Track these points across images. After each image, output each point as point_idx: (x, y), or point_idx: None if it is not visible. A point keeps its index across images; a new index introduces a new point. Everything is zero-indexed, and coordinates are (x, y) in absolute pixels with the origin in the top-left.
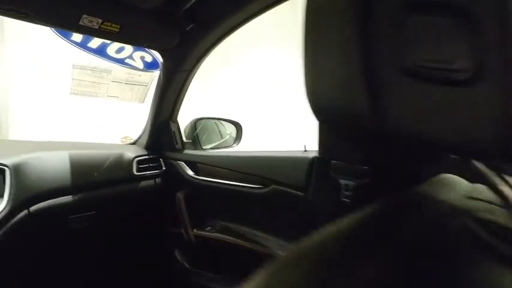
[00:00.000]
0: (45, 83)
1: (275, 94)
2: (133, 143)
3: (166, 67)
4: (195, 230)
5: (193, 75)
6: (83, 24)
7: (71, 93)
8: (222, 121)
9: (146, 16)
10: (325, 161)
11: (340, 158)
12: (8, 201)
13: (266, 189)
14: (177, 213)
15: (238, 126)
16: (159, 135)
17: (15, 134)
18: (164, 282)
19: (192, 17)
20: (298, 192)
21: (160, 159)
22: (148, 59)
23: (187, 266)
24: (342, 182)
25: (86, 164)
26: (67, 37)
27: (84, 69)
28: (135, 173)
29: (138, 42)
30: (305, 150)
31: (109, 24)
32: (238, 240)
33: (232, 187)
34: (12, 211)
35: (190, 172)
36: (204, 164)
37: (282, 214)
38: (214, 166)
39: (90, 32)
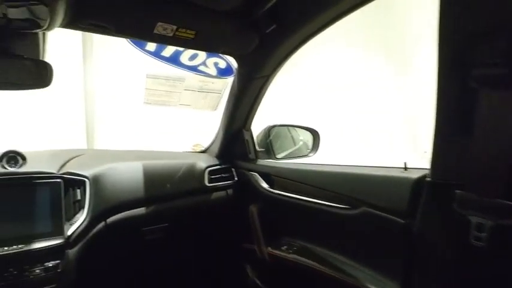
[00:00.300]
0: (122, 93)
1: (346, 97)
2: (204, 151)
3: (241, 73)
4: (269, 249)
5: (271, 81)
6: (157, 32)
7: (144, 102)
8: (295, 128)
9: (223, 20)
10: (444, 187)
11: (472, 187)
12: (88, 212)
13: (355, 211)
14: (250, 227)
15: (315, 133)
16: (232, 143)
17: (99, 142)
18: None
19: (274, 18)
20: (397, 219)
21: (233, 169)
22: (222, 65)
23: (259, 283)
24: (473, 219)
25: (159, 175)
26: (141, 47)
27: (158, 78)
28: (207, 184)
29: (214, 48)
30: (405, 168)
31: (184, 30)
32: (319, 265)
33: (313, 204)
34: (92, 222)
35: (264, 184)
36: (280, 177)
37: (374, 241)
38: (292, 181)
39: (164, 40)
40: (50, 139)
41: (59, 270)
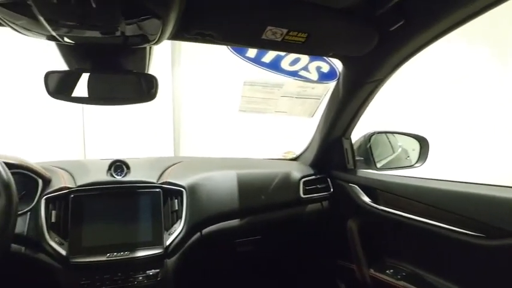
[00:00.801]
0: (215, 101)
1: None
2: (295, 159)
3: (348, 77)
4: (371, 270)
5: (383, 86)
6: (265, 37)
7: (239, 110)
8: (396, 134)
9: (340, 18)
10: None
11: None
12: (185, 223)
13: (493, 242)
14: (347, 243)
15: (423, 141)
16: (328, 152)
17: (185, 150)
18: None
19: (401, 14)
20: None
21: (328, 180)
22: (325, 69)
23: None
24: None
25: (253, 185)
26: (242, 54)
27: (255, 85)
28: (302, 195)
29: (325, 52)
30: None
31: (295, 33)
32: None
33: (430, 227)
34: (189, 233)
35: (365, 198)
36: (386, 191)
37: None
38: (402, 197)
39: (271, 46)
40: (139, 146)
41: (158, 279)
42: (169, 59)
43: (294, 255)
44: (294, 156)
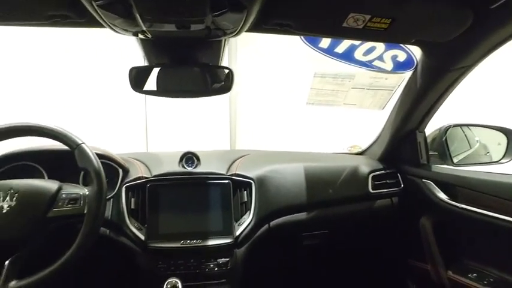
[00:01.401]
0: (273, 95)
1: None
2: (361, 153)
3: (428, 65)
4: (450, 273)
5: (468, 73)
6: (346, 25)
7: (307, 103)
8: (473, 127)
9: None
10: None
11: None
12: (254, 214)
13: None
14: (418, 242)
15: (509, 134)
16: (399, 146)
17: (242, 143)
18: None
19: None
20: None
21: (398, 175)
22: (402, 57)
23: None
24: None
25: (321, 179)
26: (314, 44)
27: (325, 77)
28: (371, 190)
29: (408, 38)
30: None
31: (378, 20)
32: None
33: None
34: (257, 224)
35: (441, 195)
36: (465, 187)
37: None
38: (486, 194)
39: (351, 34)
40: (197, 140)
41: (228, 268)
42: (226, 54)
43: (362, 251)
44: (360, 150)
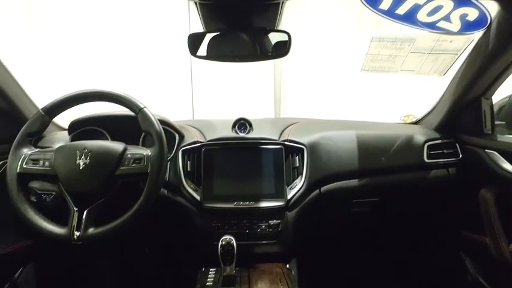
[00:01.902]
0: (329, 62)
1: None
2: (416, 123)
3: (507, 21)
4: None
5: None
6: None
7: (361, 69)
8: None
9: None
10: None
11: None
12: (305, 179)
13: None
14: (477, 215)
15: None
16: (459, 114)
17: (287, 110)
18: None
19: None
20: None
21: (457, 145)
22: (472, 15)
23: (484, 284)
24: None
25: (374, 146)
26: (374, 6)
27: (383, 41)
28: (426, 160)
29: None
30: None
31: None
32: None
33: None
34: (308, 189)
35: (507, 166)
36: None
37: None
38: None
39: None
40: (239, 108)
41: (279, 229)
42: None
43: (411, 221)
44: (415, 120)
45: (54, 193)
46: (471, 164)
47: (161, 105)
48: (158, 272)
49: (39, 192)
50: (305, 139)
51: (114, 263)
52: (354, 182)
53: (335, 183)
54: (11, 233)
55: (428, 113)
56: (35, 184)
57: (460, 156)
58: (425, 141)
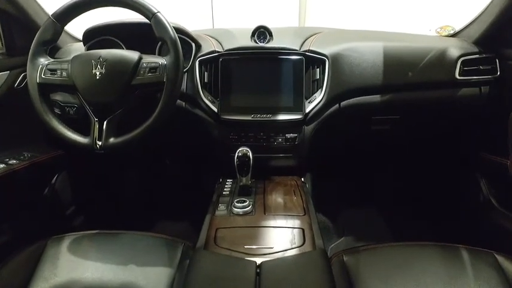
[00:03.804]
0: None
1: None
2: (453, 35)
3: None
4: None
5: None
6: None
7: None
8: None
9: None
10: None
11: None
12: (325, 93)
13: None
14: (503, 137)
15: None
16: (505, 26)
17: (313, 21)
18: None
19: None
20: None
21: (497, 61)
22: None
23: (497, 206)
24: None
25: (401, 60)
26: None
27: None
28: (457, 76)
29: None
30: None
31: None
32: None
33: None
34: (328, 103)
35: None
36: None
37: None
38: None
39: None
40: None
41: (296, 143)
42: None
43: (430, 140)
44: (453, 32)
45: (76, 105)
46: (509, 83)
47: (178, 14)
48: (179, 184)
49: (62, 104)
50: (328, 50)
51: (136, 173)
52: (375, 98)
53: (356, 98)
54: (43, 143)
55: (469, 24)
56: (58, 97)
57: (498, 73)
58: (460, 56)
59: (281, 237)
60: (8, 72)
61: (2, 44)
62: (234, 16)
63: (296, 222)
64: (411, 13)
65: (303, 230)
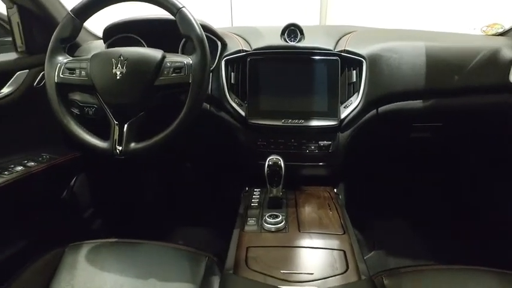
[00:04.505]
0: None
1: None
2: (503, 34)
3: None
4: None
5: None
6: None
7: None
8: None
9: None
10: None
11: None
12: (362, 97)
13: None
14: None
15: None
16: None
17: (333, 18)
18: None
19: None
20: None
21: None
22: None
23: None
24: None
25: (446, 62)
26: None
27: None
28: (511, 79)
29: None
30: None
31: None
32: None
33: None
34: (364, 108)
35: None
36: None
37: None
38: None
39: None
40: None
41: (329, 151)
42: None
43: (475, 150)
44: (502, 30)
45: (95, 106)
46: None
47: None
48: (199, 189)
49: (81, 104)
50: (365, 50)
51: (155, 176)
52: (417, 103)
53: (395, 104)
54: (61, 144)
55: None
56: (76, 96)
57: None
58: None
59: (320, 260)
60: (28, 70)
61: (22, 41)
62: (252, 14)
63: (335, 243)
64: (446, 11)
65: (344, 253)
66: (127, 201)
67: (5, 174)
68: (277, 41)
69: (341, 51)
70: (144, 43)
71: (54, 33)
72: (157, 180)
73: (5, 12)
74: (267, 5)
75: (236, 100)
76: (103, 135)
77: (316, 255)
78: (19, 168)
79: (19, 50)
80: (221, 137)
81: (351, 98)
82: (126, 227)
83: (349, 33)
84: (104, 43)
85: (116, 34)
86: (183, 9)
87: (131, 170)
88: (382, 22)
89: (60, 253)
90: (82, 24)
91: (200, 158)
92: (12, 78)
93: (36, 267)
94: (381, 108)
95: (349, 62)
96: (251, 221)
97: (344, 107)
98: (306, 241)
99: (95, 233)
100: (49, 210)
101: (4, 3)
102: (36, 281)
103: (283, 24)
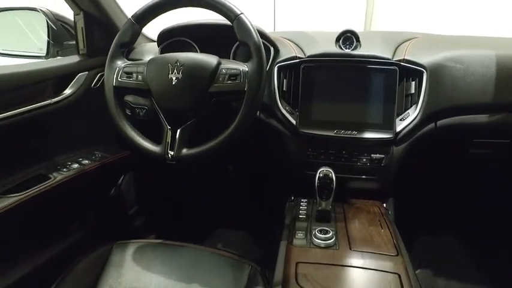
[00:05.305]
0: None
1: None
2: None
3: None
4: None
5: None
6: None
7: None
8: None
9: None
10: None
11: None
12: (420, 110)
13: None
14: None
15: None
16: None
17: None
18: None
19: None
20: None
21: None
22: None
23: None
24: None
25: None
26: None
27: None
28: None
29: None
30: None
31: None
32: None
33: None
34: (422, 122)
35: None
36: None
37: None
38: None
39: None
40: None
41: (382, 165)
42: None
43: None
44: None
45: (146, 107)
46: None
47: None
48: (240, 194)
49: (133, 106)
50: (426, 59)
51: (198, 178)
52: (482, 118)
53: (457, 117)
54: (113, 143)
55: None
56: (129, 98)
57: None
58: None
59: (374, 283)
60: (87, 72)
61: (84, 45)
62: (295, 18)
63: (388, 265)
64: (497, 16)
65: (399, 276)
66: (170, 202)
67: (64, 171)
68: (332, 48)
69: (400, 60)
70: (196, 47)
71: (115, 39)
72: (200, 183)
73: (68, 17)
74: (310, 8)
75: (287, 108)
76: (153, 136)
77: (369, 276)
78: (75, 165)
79: (81, 52)
80: (268, 144)
81: (408, 111)
82: (168, 227)
83: (409, 40)
84: (158, 46)
85: (170, 38)
86: (242, 15)
87: (175, 170)
88: (432, 27)
89: (108, 250)
90: (141, 29)
91: (243, 161)
92: (74, 80)
93: (87, 262)
94: (440, 122)
95: (408, 71)
96: (300, 234)
97: (400, 120)
98: (357, 261)
99: (138, 231)
100: (98, 207)
101: (72, 10)
102: (86, 276)
103: (333, 29)
